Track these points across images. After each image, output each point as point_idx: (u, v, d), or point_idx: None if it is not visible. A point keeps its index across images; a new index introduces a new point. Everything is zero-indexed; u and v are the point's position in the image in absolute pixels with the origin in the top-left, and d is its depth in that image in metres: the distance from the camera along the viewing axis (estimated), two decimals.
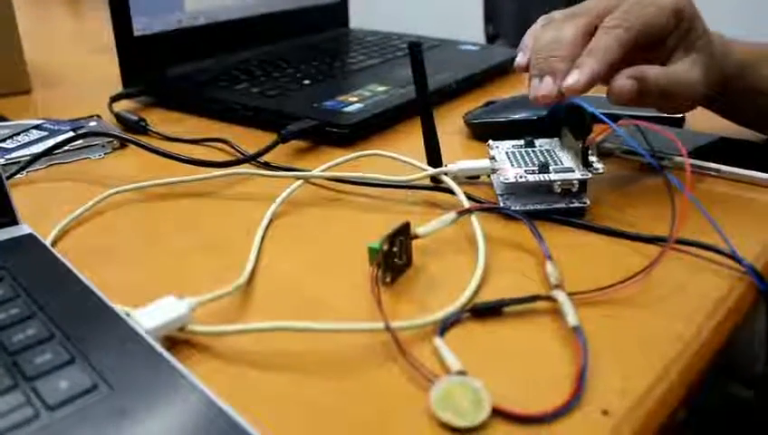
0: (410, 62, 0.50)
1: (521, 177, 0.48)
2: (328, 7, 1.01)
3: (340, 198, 0.53)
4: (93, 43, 1.07)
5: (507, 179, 0.48)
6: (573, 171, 0.48)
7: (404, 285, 0.41)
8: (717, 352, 0.37)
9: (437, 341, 0.35)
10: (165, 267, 0.44)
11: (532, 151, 0.52)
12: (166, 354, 0.32)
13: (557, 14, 0.52)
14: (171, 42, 0.80)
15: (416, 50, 0.50)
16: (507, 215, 0.48)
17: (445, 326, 0.37)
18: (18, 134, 0.63)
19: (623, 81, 0.47)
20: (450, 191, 0.50)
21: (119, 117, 0.69)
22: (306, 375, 0.34)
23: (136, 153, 0.61)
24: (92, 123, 0.67)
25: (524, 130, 0.55)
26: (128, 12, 0.75)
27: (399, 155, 0.55)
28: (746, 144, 0.59)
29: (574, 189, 0.48)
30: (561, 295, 0.38)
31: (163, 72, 0.79)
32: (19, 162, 0.57)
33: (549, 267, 0.40)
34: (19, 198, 0.45)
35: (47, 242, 0.43)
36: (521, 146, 0.53)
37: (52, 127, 0.65)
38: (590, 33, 0.49)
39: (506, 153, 0.52)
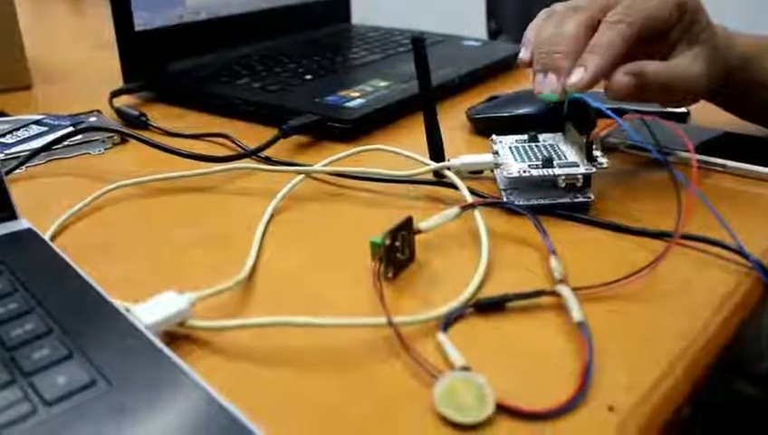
0: (413, 56, 0.50)
1: (524, 171, 0.47)
2: (329, 3, 1.01)
3: (341, 192, 0.52)
4: (94, 40, 1.07)
5: (511, 174, 0.47)
6: (578, 166, 0.47)
7: (406, 280, 0.41)
8: (723, 347, 0.36)
9: (441, 336, 0.35)
10: (165, 262, 0.44)
11: (536, 146, 0.52)
12: (165, 350, 0.32)
13: (559, 6, 0.51)
14: (172, 37, 0.80)
15: (419, 44, 0.49)
16: (511, 210, 0.47)
17: (448, 322, 0.36)
18: (18, 129, 0.63)
19: (621, 77, 0.47)
20: (453, 186, 0.50)
21: (119, 112, 0.68)
22: (307, 371, 0.34)
23: (136, 148, 0.61)
24: (93, 118, 0.66)
25: (528, 125, 0.54)
26: (128, 7, 0.75)
27: (402, 150, 0.54)
28: (751, 139, 0.59)
29: (578, 184, 0.47)
30: (565, 290, 0.37)
31: (164, 67, 0.78)
32: (18, 157, 0.57)
33: (553, 262, 0.40)
34: (18, 193, 0.44)
35: (46, 237, 0.43)
36: (524, 141, 0.53)
37: (51, 122, 0.65)
38: (593, 26, 0.48)
39: (510, 148, 0.52)
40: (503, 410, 0.30)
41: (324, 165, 0.54)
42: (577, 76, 0.46)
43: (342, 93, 0.69)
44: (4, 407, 0.28)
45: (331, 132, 0.62)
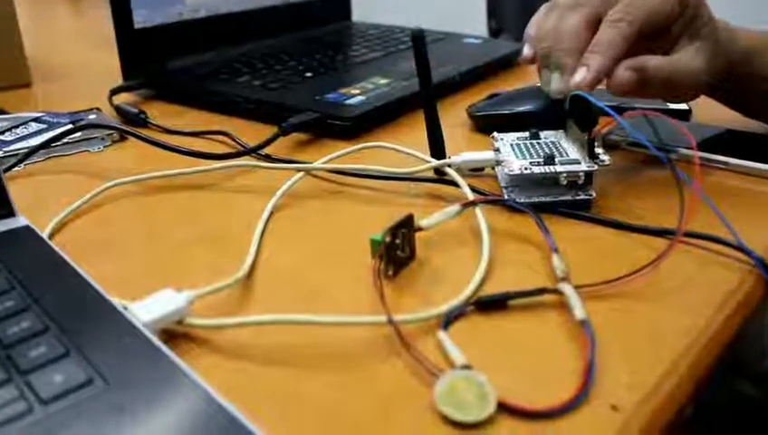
0: (413, 51, 0.49)
1: (526, 169, 0.47)
2: (330, 0, 1.00)
3: (341, 190, 0.52)
4: (94, 39, 1.07)
5: (512, 171, 0.47)
6: (579, 163, 0.47)
7: (407, 277, 0.41)
8: (726, 346, 0.36)
9: (441, 334, 0.34)
10: (164, 260, 0.43)
11: (537, 143, 0.51)
12: (164, 348, 0.31)
13: (561, 0, 0.51)
14: (172, 34, 0.79)
15: (418, 39, 0.49)
16: (512, 207, 0.47)
17: (449, 320, 0.36)
18: (17, 127, 0.63)
19: (623, 72, 0.46)
20: (454, 184, 0.50)
21: (119, 110, 0.68)
22: (307, 369, 0.33)
23: (135, 146, 0.61)
24: (92, 116, 0.66)
25: (529, 123, 0.54)
26: (128, 4, 0.74)
27: (402, 147, 0.54)
28: (753, 136, 0.58)
29: (580, 181, 0.47)
30: (567, 288, 0.37)
31: (163, 64, 0.78)
32: (17, 155, 0.56)
33: (555, 260, 0.39)
34: (17, 190, 0.44)
35: (44, 234, 0.42)
36: (526, 138, 0.52)
37: (51, 120, 0.64)
38: (594, 22, 0.48)
39: (511, 145, 0.51)
40: (504, 408, 0.30)
41: (324, 162, 0.54)
42: (580, 75, 0.46)
43: (343, 91, 0.68)
44: (0, 406, 0.27)
45: (331, 130, 0.62)
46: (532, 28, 0.53)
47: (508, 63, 0.85)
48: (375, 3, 1.36)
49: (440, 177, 0.52)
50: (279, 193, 0.50)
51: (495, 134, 0.53)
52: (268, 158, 0.57)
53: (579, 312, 0.35)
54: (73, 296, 0.35)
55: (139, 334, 0.32)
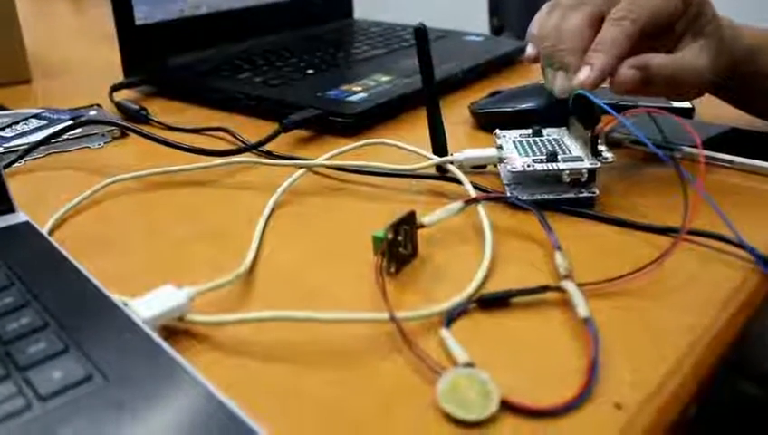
0: (416, 47, 0.49)
1: (528, 166, 0.47)
2: None
3: (343, 187, 0.52)
4: (94, 35, 1.07)
5: (515, 168, 0.47)
6: (582, 160, 0.47)
7: (409, 275, 0.40)
8: (730, 344, 0.36)
9: (444, 332, 0.34)
10: (164, 256, 0.43)
11: (540, 140, 0.51)
12: (164, 344, 0.31)
13: None
14: (173, 31, 0.79)
15: (421, 35, 0.49)
16: (514, 205, 0.47)
17: (451, 317, 0.36)
18: (17, 123, 0.63)
19: (626, 70, 0.46)
20: (456, 181, 0.49)
21: (119, 106, 0.68)
22: (308, 366, 0.33)
23: (136, 142, 0.60)
24: (92, 112, 0.66)
25: (531, 120, 0.54)
26: (129, 1, 0.74)
27: (404, 144, 0.54)
28: (757, 135, 0.58)
29: (583, 179, 0.46)
30: (570, 286, 0.37)
31: (164, 61, 0.78)
32: (17, 151, 0.56)
33: (558, 258, 0.39)
34: (17, 186, 0.44)
35: (44, 230, 0.42)
36: (528, 135, 0.52)
37: (51, 116, 0.64)
38: (597, 20, 0.48)
39: (513, 142, 0.51)
40: (507, 407, 0.30)
41: (326, 159, 0.53)
42: (584, 74, 0.46)
43: (344, 88, 0.68)
44: None
45: (332, 127, 0.62)
46: (534, 27, 0.53)
47: (510, 61, 0.85)
48: (377, 1, 1.36)
49: (442, 174, 0.52)
50: (280, 190, 0.50)
51: (498, 131, 0.53)
52: (269, 154, 0.57)
53: (582, 310, 0.35)
54: (73, 293, 0.35)
55: (138, 331, 0.32)
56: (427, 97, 0.51)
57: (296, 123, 0.59)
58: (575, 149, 0.49)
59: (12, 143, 0.58)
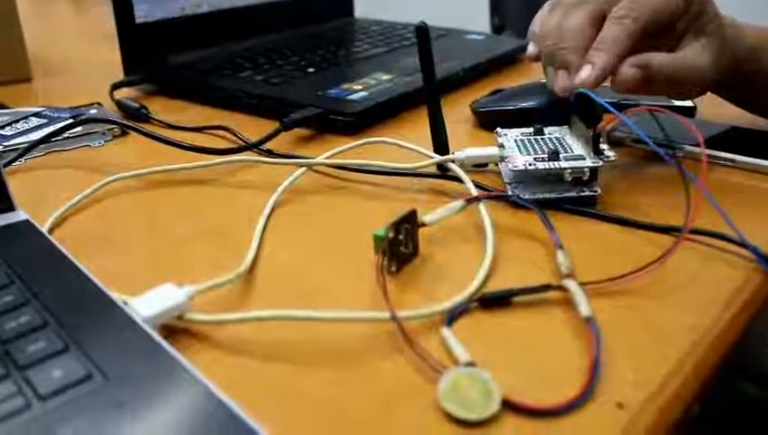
0: (417, 45, 0.49)
1: (530, 164, 0.47)
2: None
3: (344, 185, 0.52)
4: (95, 33, 1.06)
5: (516, 167, 0.47)
6: (584, 159, 0.47)
7: (410, 274, 0.40)
8: (733, 344, 0.36)
9: (445, 331, 0.34)
10: (164, 255, 0.43)
11: (542, 139, 0.51)
12: (163, 343, 0.31)
13: None
14: (173, 29, 0.79)
15: (422, 33, 0.49)
16: (516, 203, 0.47)
17: (452, 316, 0.35)
18: (17, 121, 0.62)
19: (627, 69, 0.46)
20: (457, 179, 0.49)
21: (120, 104, 0.68)
22: (308, 366, 0.33)
23: (137, 141, 0.60)
24: (93, 111, 0.65)
25: (532, 119, 0.54)
26: None
27: (405, 143, 0.54)
28: (759, 134, 0.58)
29: (585, 178, 0.46)
30: (572, 285, 0.36)
31: (165, 59, 0.77)
32: (17, 149, 0.56)
33: (560, 256, 0.39)
34: (17, 184, 0.44)
35: (44, 229, 0.42)
36: (530, 134, 0.52)
37: (51, 114, 0.64)
38: (599, 19, 0.48)
39: (515, 141, 0.51)
40: (508, 406, 0.30)
41: (326, 158, 0.53)
42: (585, 73, 0.46)
43: (345, 86, 0.68)
44: None
45: (333, 125, 0.62)
46: (536, 25, 0.53)
47: (511, 60, 0.84)
48: (377, 0, 1.36)
49: (443, 172, 0.51)
50: (281, 188, 0.50)
51: (499, 130, 0.53)
52: (270, 153, 0.57)
53: (584, 309, 0.35)
54: (73, 291, 0.35)
55: (138, 330, 0.32)
56: (428, 95, 0.51)
57: (297, 122, 0.59)
58: (577, 147, 0.49)
59: (12, 141, 0.58)
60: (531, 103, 0.60)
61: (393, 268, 0.40)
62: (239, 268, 0.39)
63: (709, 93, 0.55)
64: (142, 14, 0.76)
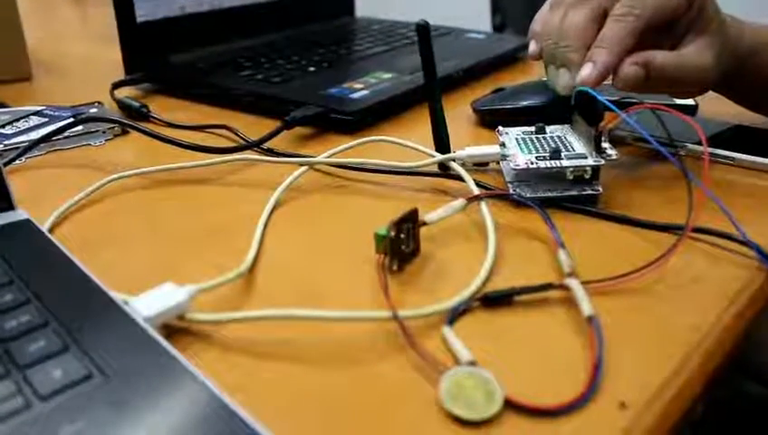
0: (418, 44, 0.49)
1: (532, 163, 0.46)
2: None
3: (345, 184, 0.52)
4: (95, 32, 1.06)
5: (518, 166, 0.46)
6: (586, 158, 0.46)
7: (411, 273, 0.40)
8: (736, 344, 0.36)
9: (446, 330, 0.34)
10: (165, 254, 0.43)
11: (543, 138, 0.51)
12: (164, 343, 0.31)
13: None
14: (174, 28, 0.79)
15: (423, 31, 0.48)
16: (517, 202, 0.46)
17: (454, 315, 0.35)
18: (18, 120, 0.62)
19: (629, 67, 0.46)
20: (459, 178, 0.49)
21: (120, 103, 0.68)
22: (309, 365, 0.33)
23: (137, 140, 0.60)
24: (93, 110, 0.65)
25: (533, 117, 0.53)
26: None
27: (406, 141, 0.53)
28: (760, 132, 0.58)
29: (587, 176, 0.46)
30: (574, 284, 0.36)
31: (166, 58, 0.77)
32: (18, 148, 0.56)
33: (562, 255, 0.39)
34: (17, 183, 0.44)
35: (44, 228, 0.42)
36: (531, 132, 0.52)
37: (52, 113, 0.64)
38: (600, 16, 0.48)
39: (516, 139, 0.51)
40: (510, 406, 0.29)
41: (327, 156, 0.53)
42: (586, 72, 0.46)
43: (346, 85, 0.68)
44: None
45: (334, 124, 0.62)
46: (537, 24, 0.53)
47: (512, 58, 0.84)
48: (378, 0, 1.36)
49: (445, 171, 0.51)
50: (282, 187, 0.49)
51: (501, 128, 0.53)
52: (271, 152, 0.56)
53: (586, 308, 0.35)
54: (73, 291, 0.35)
55: (139, 329, 0.32)
56: (429, 96, 0.51)
57: (298, 121, 0.59)
58: (578, 146, 0.49)
59: (12, 140, 0.58)
60: (532, 102, 0.60)
61: (394, 267, 0.40)
62: (240, 267, 0.39)
63: (710, 91, 0.55)
64: (143, 12, 0.76)
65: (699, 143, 0.50)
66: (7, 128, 0.61)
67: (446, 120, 0.52)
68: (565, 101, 0.50)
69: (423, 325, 0.35)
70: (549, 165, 0.46)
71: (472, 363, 0.31)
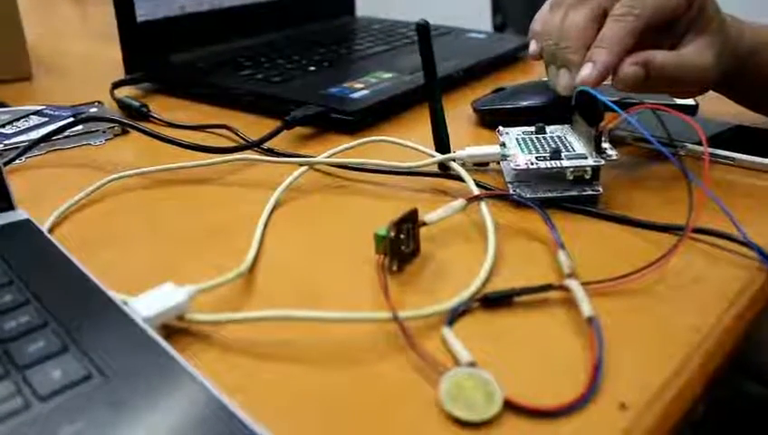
0: (419, 43, 0.49)
1: (532, 163, 0.46)
2: None
3: (345, 184, 0.51)
4: (96, 32, 1.06)
5: (518, 166, 0.46)
6: (586, 158, 0.46)
7: (411, 273, 0.40)
8: (737, 344, 0.35)
9: (446, 331, 0.34)
10: (164, 254, 0.43)
11: (543, 138, 0.51)
12: (163, 344, 0.31)
13: None
14: (174, 28, 0.79)
15: (424, 31, 0.48)
16: (517, 202, 0.46)
17: (453, 316, 0.35)
18: (18, 120, 0.62)
19: (628, 67, 0.46)
20: (459, 178, 0.49)
21: (120, 103, 0.68)
22: (309, 366, 0.33)
23: (138, 139, 0.60)
24: (93, 109, 0.65)
25: (534, 117, 0.53)
26: None
27: (406, 141, 0.53)
28: (760, 132, 0.58)
29: (587, 176, 0.46)
30: (574, 285, 0.36)
31: (166, 58, 0.77)
32: (18, 148, 0.56)
33: (561, 256, 0.39)
34: (17, 183, 0.44)
35: (44, 228, 0.42)
36: (531, 132, 0.52)
37: (52, 113, 0.64)
38: (600, 16, 0.48)
39: (516, 139, 0.51)
40: (510, 407, 0.29)
41: (327, 156, 0.53)
42: (586, 71, 0.46)
43: (346, 85, 0.68)
44: None
45: (334, 124, 0.61)
46: (537, 24, 0.53)
47: (513, 58, 0.84)
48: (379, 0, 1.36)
49: (445, 171, 0.51)
50: (282, 187, 0.49)
51: (501, 128, 0.53)
52: (271, 152, 0.56)
53: (586, 308, 0.35)
54: (73, 291, 0.34)
55: (138, 330, 0.32)
56: (430, 96, 0.51)
57: (298, 120, 0.59)
58: (579, 146, 0.49)
59: (12, 140, 0.58)
60: (532, 102, 0.60)
61: (394, 268, 0.39)
62: (240, 268, 0.39)
63: (711, 91, 0.55)
64: (143, 12, 0.76)
65: (699, 143, 0.50)
66: (7, 127, 0.60)
67: (447, 120, 0.52)
68: (565, 101, 0.50)
69: (423, 326, 0.35)
70: (549, 165, 0.46)
71: (472, 364, 0.31)
